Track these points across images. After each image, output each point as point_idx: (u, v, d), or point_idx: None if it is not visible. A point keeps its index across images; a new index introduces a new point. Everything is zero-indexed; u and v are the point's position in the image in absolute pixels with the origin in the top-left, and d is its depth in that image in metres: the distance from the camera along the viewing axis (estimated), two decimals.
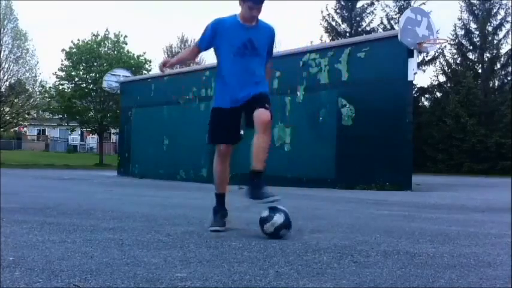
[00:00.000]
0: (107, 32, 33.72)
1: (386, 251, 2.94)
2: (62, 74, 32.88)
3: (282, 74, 12.28)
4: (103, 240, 3.11)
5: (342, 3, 32.91)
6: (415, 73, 10.87)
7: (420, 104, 31.43)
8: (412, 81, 11.10)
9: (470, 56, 31.07)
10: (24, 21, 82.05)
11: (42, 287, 1.97)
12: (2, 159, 25.78)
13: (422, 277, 2.27)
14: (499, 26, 29.94)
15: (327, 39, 31.88)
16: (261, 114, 3.45)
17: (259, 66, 3.67)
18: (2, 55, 31.43)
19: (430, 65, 31.83)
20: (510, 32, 29.57)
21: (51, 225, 3.76)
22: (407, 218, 4.89)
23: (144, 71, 32.32)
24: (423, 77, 57.97)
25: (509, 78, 29.72)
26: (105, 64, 31.03)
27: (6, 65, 31.79)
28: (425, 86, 32.37)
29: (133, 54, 33.90)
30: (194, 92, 15.15)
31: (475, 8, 30.57)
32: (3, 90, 31.82)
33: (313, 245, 3.09)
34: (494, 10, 29.94)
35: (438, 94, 31.91)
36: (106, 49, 33.36)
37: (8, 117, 32.63)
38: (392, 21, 31.27)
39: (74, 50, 32.67)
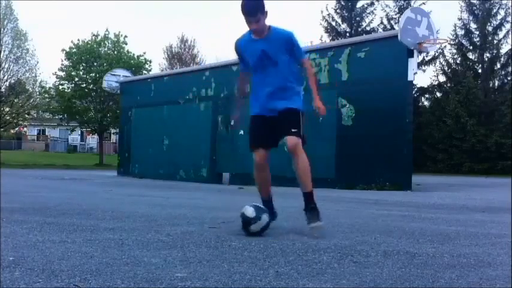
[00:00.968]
0: (107, 32, 33.78)
1: (386, 251, 2.94)
2: (62, 74, 32.91)
3: None
4: (103, 240, 3.11)
5: (342, 3, 32.92)
6: (415, 73, 10.88)
7: (420, 104, 31.45)
8: (412, 81, 11.10)
9: (470, 56, 31.09)
10: (24, 21, 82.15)
11: (42, 287, 1.97)
12: (2, 159, 25.78)
13: (422, 277, 2.27)
14: (499, 26, 29.95)
15: (326, 39, 31.89)
16: (288, 142, 3.57)
17: (283, 73, 3.68)
18: (2, 55, 31.44)
19: (430, 65, 31.87)
20: (510, 32, 29.59)
21: (51, 225, 3.75)
22: (407, 218, 4.89)
23: (144, 71, 32.33)
24: (423, 77, 58.04)
25: (509, 78, 29.72)
26: (105, 64, 31.04)
27: (6, 65, 31.82)
28: (425, 86, 32.43)
29: (134, 54, 33.93)
30: (194, 92, 15.15)
31: (475, 8, 30.57)
32: (3, 90, 31.83)
33: (313, 245, 3.09)
34: (494, 10, 29.94)
35: (438, 94, 31.92)
36: (106, 49, 33.37)
37: (8, 117, 32.63)
38: (392, 21, 31.28)
39: (74, 50, 32.68)
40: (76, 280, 2.07)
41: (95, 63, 32.40)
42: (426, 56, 30.64)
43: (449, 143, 28.17)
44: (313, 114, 3.78)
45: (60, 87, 33.15)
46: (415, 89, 29.23)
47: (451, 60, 31.43)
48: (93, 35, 33.49)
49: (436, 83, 31.83)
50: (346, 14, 32.98)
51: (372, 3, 32.59)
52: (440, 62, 31.56)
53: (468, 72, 29.45)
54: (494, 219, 4.95)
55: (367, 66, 11.23)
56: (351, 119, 11.31)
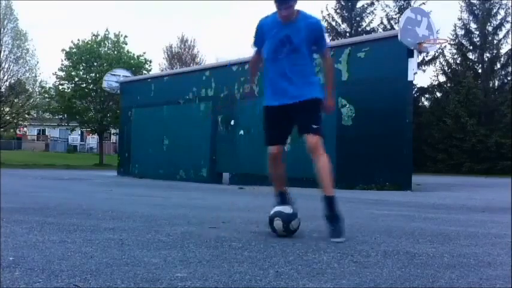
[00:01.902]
0: (107, 32, 33.75)
1: (386, 251, 2.94)
2: (62, 74, 32.90)
3: None
4: (103, 240, 3.11)
5: (342, 3, 32.93)
6: (415, 73, 10.88)
7: (420, 104, 31.45)
8: (412, 81, 11.10)
9: (470, 56, 31.09)
10: (24, 21, 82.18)
11: (42, 287, 1.97)
12: (2, 159, 25.78)
13: (422, 277, 2.27)
14: (499, 26, 29.95)
15: (326, 39, 31.87)
16: (308, 141, 3.45)
17: (303, 62, 3.50)
18: (2, 55, 31.43)
19: (430, 65, 31.88)
20: (510, 32, 29.59)
21: (51, 225, 3.75)
22: (407, 218, 4.89)
23: (144, 71, 32.32)
24: (423, 77, 58.06)
25: (509, 78, 29.73)
26: (105, 64, 31.03)
27: (6, 65, 31.81)
28: (425, 86, 32.44)
29: (134, 54, 33.92)
30: (194, 92, 15.15)
31: (475, 8, 30.58)
32: (3, 90, 31.82)
33: (313, 245, 3.09)
34: (494, 10, 29.95)
35: (438, 94, 31.93)
36: (106, 49, 33.36)
37: (8, 117, 32.63)
38: (392, 21, 31.29)
39: (74, 50, 32.67)
40: (76, 280, 2.07)
41: (95, 63, 32.39)
42: (426, 56, 30.65)
43: (449, 143, 28.17)
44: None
45: (60, 87, 33.14)
46: (415, 89, 29.25)
47: (451, 60, 31.45)
48: (93, 35, 33.50)
49: (436, 83, 31.87)
50: (346, 14, 33.00)
51: (372, 3, 32.62)
52: (440, 62, 31.60)
53: (468, 72, 29.45)
54: (494, 219, 4.95)
55: (367, 66, 11.23)
56: (351, 119, 11.31)
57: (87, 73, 32.58)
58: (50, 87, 33.50)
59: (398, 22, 14.09)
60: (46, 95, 33.40)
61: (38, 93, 33.64)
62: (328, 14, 33.15)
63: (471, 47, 30.76)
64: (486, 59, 30.11)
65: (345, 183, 10.94)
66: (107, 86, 20.67)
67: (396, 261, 2.62)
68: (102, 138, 35.76)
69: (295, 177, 11.68)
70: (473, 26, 30.62)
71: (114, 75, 20.80)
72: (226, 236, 3.38)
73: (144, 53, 34.58)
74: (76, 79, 32.71)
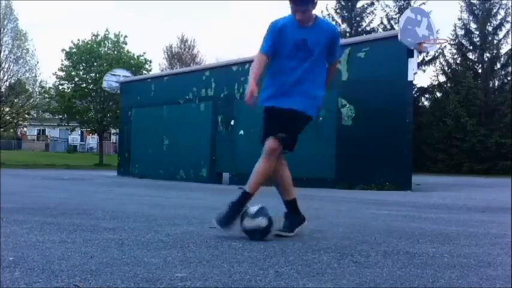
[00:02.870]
0: (107, 32, 33.77)
1: (386, 251, 2.94)
2: (62, 74, 32.91)
3: None
4: (103, 240, 3.11)
5: (342, 3, 32.92)
6: (415, 73, 10.88)
7: (420, 104, 31.44)
8: (412, 81, 11.10)
9: (470, 56, 31.08)
10: (24, 21, 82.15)
11: (42, 287, 1.97)
12: (2, 159, 25.78)
13: (422, 277, 2.27)
14: (499, 26, 29.94)
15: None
16: (270, 145, 3.35)
17: (313, 71, 3.37)
18: (2, 55, 31.46)
19: (430, 65, 31.86)
20: (510, 32, 29.58)
21: (51, 225, 3.75)
22: (407, 218, 4.89)
23: (144, 71, 32.33)
24: (423, 77, 58.14)
25: (509, 78, 29.71)
26: (105, 64, 31.04)
27: (6, 65, 31.85)
28: (425, 86, 32.42)
29: (133, 54, 33.93)
30: (194, 92, 15.15)
31: (475, 8, 30.57)
32: (3, 90, 31.84)
33: (313, 245, 3.09)
34: (494, 10, 29.94)
35: (438, 94, 31.92)
36: (106, 49, 33.36)
37: (8, 117, 32.64)
38: (392, 21, 31.28)
39: (74, 50, 32.68)
40: (76, 280, 2.07)
41: (95, 63, 32.40)
42: (426, 56, 30.64)
43: (449, 143, 28.16)
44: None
45: (60, 87, 33.16)
46: (415, 89, 29.23)
47: (451, 60, 31.44)
48: (93, 35, 33.51)
49: (436, 83, 31.85)
50: (346, 14, 32.98)
51: (372, 3, 32.59)
52: (440, 62, 31.57)
53: (468, 72, 29.44)
54: (494, 219, 4.95)
55: (367, 66, 11.23)
56: (351, 119, 11.31)
57: (87, 73, 32.60)
58: (50, 87, 33.53)
59: (398, 22, 14.09)
60: (46, 95, 33.42)
61: (38, 93, 33.68)
62: (328, 14, 33.12)
63: (471, 47, 30.75)
64: (486, 59, 30.10)
65: (345, 183, 10.97)
66: (107, 86, 20.68)
67: (396, 261, 2.62)
68: (102, 138, 35.77)
69: (294, 176, 11.70)
70: (473, 26, 30.62)
71: (114, 75, 20.81)
72: (226, 236, 3.38)
73: (144, 53, 34.67)
74: (76, 79, 32.73)
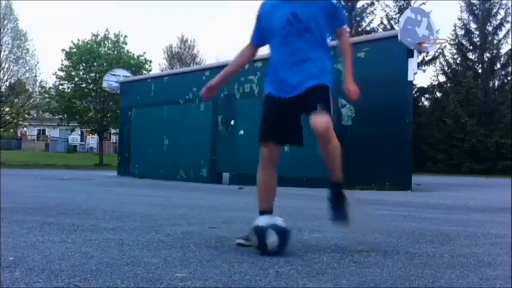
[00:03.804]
0: (107, 32, 33.78)
1: (386, 251, 2.94)
2: (62, 74, 32.91)
3: None
4: (103, 240, 3.11)
5: (342, 3, 32.92)
6: (415, 73, 10.89)
7: (420, 104, 31.44)
8: (412, 81, 11.11)
9: (470, 56, 31.10)
10: (24, 21, 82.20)
11: (42, 287, 1.97)
12: (2, 159, 25.78)
13: (422, 277, 2.27)
14: (499, 26, 29.96)
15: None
16: (316, 123, 2.81)
17: (310, 45, 2.96)
18: (2, 55, 31.46)
19: (430, 65, 31.88)
20: (510, 32, 29.59)
21: (51, 225, 3.75)
22: (407, 218, 4.89)
23: (144, 71, 32.33)
24: (423, 77, 58.13)
25: (509, 78, 29.73)
26: (105, 64, 31.05)
27: (6, 65, 31.86)
28: (425, 86, 32.43)
29: (133, 54, 33.93)
30: (194, 92, 15.15)
31: (475, 8, 30.58)
32: (3, 90, 31.84)
33: (313, 245, 3.09)
34: (494, 10, 29.96)
35: (438, 94, 31.93)
36: (106, 49, 33.37)
37: (8, 117, 32.64)
38: (392, 21, 31.28)
39: (74, 50, 32.68)
40: (76, 280, 2.07)
41: (95, 63, 32.41)
42: (426, 56, 30.64)
43: (449, 143, 28.17)
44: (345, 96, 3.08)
45: (60, 87, 33.16)
46: (415, 89, 29.23)
47: (451, 60, 31.46)
48: (93, 35, 33.52)
49: (436, 83, 31.87)
50: (346, 14, 32.97)
51: (372, 3, 32.61)
52: (440, 62, 31.60)
53: (468, 72, 29.45)
54: (494, 219, 4.94)
55: (367, 66, 11.21)
56: (351, 119, 11.31)
57: (87, 73, 32.60)
58: (50, 87, 33.54)
59: (398, 22, 14.09)
60: (46, 95, 33.42)
61: (38, 93, 33.69)
62: None
63: (471, 47, 30.76)
64: (486, 59, 30.12)
65: (345, 183, 10.96)
66: (107, 86, 20.68)
67: (396, 261, 2.62)
68: (102, 138, 35.76)
69: (294, 176, 11.76)
70: (473, 26, 30.63)
71: (114, 75, 20.81)
72: (226, 236, 3.38)
73: (144, 53, 34.67)
74: (76, 79, 32.74)
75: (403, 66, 10.71)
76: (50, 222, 3.92)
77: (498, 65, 30.14)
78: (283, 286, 2.06)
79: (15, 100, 32.61)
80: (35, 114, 41.52)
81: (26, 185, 9.98)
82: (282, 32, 2.95)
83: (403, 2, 31.36)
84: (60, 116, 34.52)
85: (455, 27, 31.01)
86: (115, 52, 33.30)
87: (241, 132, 13.26)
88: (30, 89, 33.46)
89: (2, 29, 31.16)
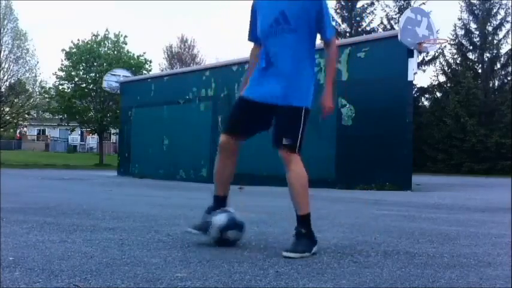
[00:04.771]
0: (107, 32, 33.75)
1: (386, 251, 2.94)
2: (62, 74, 32.90)
3: None
4: (103, 240, 3.11)
5: (342, 3, 32.92)
6: (415, 73, 10.88)
7: (420, 104, 31.43)
8: (412, 81, 11.10)
9: (470, 56, 31.08)
10: (24, 21, 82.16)
11: (42, 287, 1.97)
12: (2, 159, 25.78)
13: (422, 277, 2.27)
14: (499, 26, 29.94)
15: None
16: (281, 154, 2.88)
17: (299, 47, 2.89)
18: (2, 55, 31.46)
19: (430, 65, 31.85)
20: (510, 32, 29.58)
21: (51, 225, 3.75)
22: (407, 218, 4.89)
23: (144, 71, 32.33)
24: (423, 77, 58.13)
25: (509, 78, 29.71)
26: (105, 64, 31.04)
27: (6, 65, 31.86)
28: (425, 86, 32.41)
29: (133, 54, 33.92)
30: (194, 92, 15.15)
31: (475, 8, 30.56)
32: (3, 90, 31.84)
33: None
34: (494, 10, 29.93)
35: (438, 94, 31.92)
36: (106, 49, 33.36)
37: (8, 117, 32.64)
38: (392, 21, 31.28)
39: (74, 50, 32.67)
40: (76, 280, 2.07)
41: (95, 63, 32.40)
42: (426, 56, 30.63)
43: (449, 143, 28.16)
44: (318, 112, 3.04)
45: (60, 87, 33.15)
46: (415, 89, 29.22)
47: (451, 60, 31.43)
48: (93, 35, 33.50)
49: (436, 83, 31.85)
50: (346, 14, 32.98)
51: (372, 3, 32.60)
52: (440, 62, 31.57)
53: (468, 72, 29.43)
54: (494, 219, 4.95)
55: (367, 66, 11.23)
56: (351, 119, 11.31)
57: (87, 73, 32.59)
58: (50, 87, 33.52)
59: (398, 22, 14.09)
60: (46, 95, 33.41)
61: (38, 93, 33.69)
62: None
63: (471, 47, 30.74)
64: (486, 59, 30.10)
65: (345, 183, 10.97)
66: (107, 86, 20.68)
67: (396, 261, 2.62)
68: (102, 138, 35.76)
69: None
70: (473, 26, 30.61)
71: (114, 75, 20.81)
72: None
73: (144, 53, 34.65)
74: (76, 79, 32.72)
75: (403, 66, 10.71)
76: (50, 222, 3.92)
77: (498, 65, 30.12)
78: (283, 286, 2.06)
79: (15, 100, 32.62)
80: (35, 114, 41.52)
81: (26, 185, 9.98)
82: (268, 30, 2.91)
83: (403, 2, 31.35)
84: (60, 116, 34.51)
85: (455, 27, 31.01)
86: (115, 52, 33.28)
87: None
88: (30, 89, 33.47)
89: (2, 29, 31.16)
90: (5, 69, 31.78)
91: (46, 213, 4.59)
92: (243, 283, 2.10)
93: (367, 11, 32.72)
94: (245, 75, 3.22)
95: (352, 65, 11.43)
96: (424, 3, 29.84)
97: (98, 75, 30.66)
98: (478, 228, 4.12)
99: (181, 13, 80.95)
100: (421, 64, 29.98)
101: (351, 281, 2.16)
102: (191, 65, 40.71)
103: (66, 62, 32.87)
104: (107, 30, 34.23)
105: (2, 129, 34.82)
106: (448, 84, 31.08)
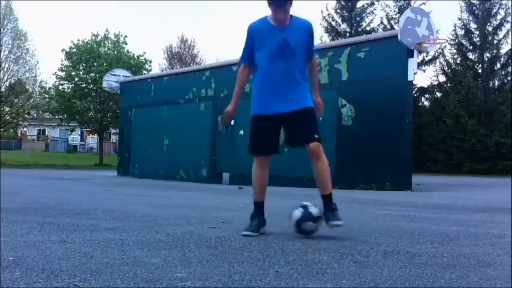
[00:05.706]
0: (107, 32, 33.75)
1: (386, 251, 2.94)
2: (62, 74, 32.90)
3: None
4: (103, 240, 3.11)
5: (342, 3, 32.93)
6: (415, 73, 10.89)
7: (420, 104, 31.45)
8: (412, 81, 11.11)
9: (470, 56, 31.10)
10: (24, 21, 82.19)
11: (42, 287, 1.97)
12: (2, 159, 25.78)
13: (422, 277, 2.27)
14: (499, 26, 29.96)
15: (327, 39, 31.90)
16: (311, 148, 3.49)
17: (298, 67, 3.47)
18: (2, 55, 31.47)
19: (430, 65, 31.89)
20: (510, 32, 29.59)
21: (51, 225, 3.75)
22: (407, 218, 4.89)
23: (144, 71, 32.32)
24: (423, 77, 58.12)
25: (509, 78, 29.73)
26: (105, 64, 31.03)
27: (6, 65, 31.88)
28: (425, 86, 32.45)
29: (133, 54, 33.91)
30: (194, 92, 15.15)
31: (475, 8, 30.58)
32: (3, 90, 31.85)
33: (313, 245, 3.09)
34: (494, 10, 29.96)
35: (438, 94, 31.94)
36: (106, 49, 33.36)
37: (8, 117, 32.64)
38: (392, 21, 31.29)
39: (74, 50, 32.67)
40: (76, 280, 2.07)
41: (95, 63, 32.39)
42: (426, 56, 30.65)
43: (449, 143, 28.17)
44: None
45: (60, 87, 33.15)
46: (415, 89, 29.24)
47: (451, 60, 31.46)
48: (93, 35, 33.49)
49: (436, 83, 31.88)
50: (346, 14, 32.99)
51: (372, 3, 32.61)
52: (440, 62, 31.62)
53: (468, 72, 29.44)
54: (494, 219, 4.95)
55: (367, 66, 11.23)
56: (351, 119, 11.32)
57: (87, 73, 32.58)
58: (50, 87, 33.52)
59: (398, 22, 14.09)
60: (46, 95, 33.42)
61: (38, 93, 33.70)
62: (328, 14, 33.16)
63: (471, 47, 30.76)
64: (486, 59, 30.12)
65: (345, 183, 10.96)
66: (107, 86, 20.68)
67: (396, 261, 2.62)
68: (102, 138, 35.76)
69: (294, 176, 11.75)
70: (473, 26, 30.64)
71: (114, 75, 20.81)
72: (226, 236, 3.38)
73: (144, 53, 34.64)
74: (76, 79, 32.72)
75: (403, 66, 10.72)
76: (50, 222, 3.92)
77: (498, 65, 30.14)
78: (283, 286, 2.06)
79: (15, 100, 32.63)
80: (35, 114, 41.53)
81: (26, 185, 9.98)
82: (272, 54, 3.40)
83: (403, 2, 31.37)
84: (60, 116, 34.51)
85: (455, 27, 31.04)
86: (115, 52, 33.28)
87: (241, 132, 13.25)
88: (30, 89, 33.48)
89: (2, 29, 31.17)
90: (5, 69, 31.81)
91: (46, 213, 4.59)
92: (243, 283, 2.10)
93: (367, 11, 32.76)
94: (234, 93, 3.77)
95: (352, 65, 11.44)
96: (424, 3, 29.88)
97: (98, 75, 30.66)
98: (478, 228, 4.11)
99: (181, 13, 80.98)
100: (421, 64, 30.01)
101: (351, 281, 2.16)
102: (191, 65, 40.73)
103: (66, 62, 32.89)
104: (107, 30, 34.27)
105: (2, 129, 34.81)
106: (448, 84, 31.10)
